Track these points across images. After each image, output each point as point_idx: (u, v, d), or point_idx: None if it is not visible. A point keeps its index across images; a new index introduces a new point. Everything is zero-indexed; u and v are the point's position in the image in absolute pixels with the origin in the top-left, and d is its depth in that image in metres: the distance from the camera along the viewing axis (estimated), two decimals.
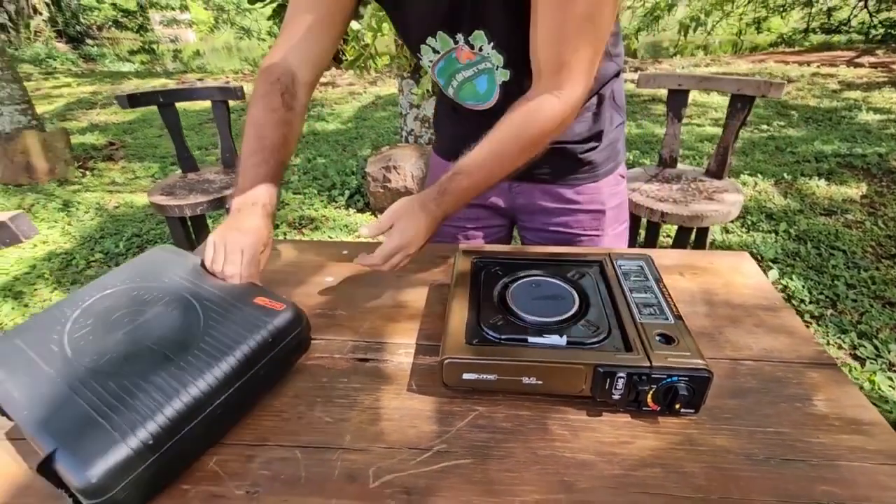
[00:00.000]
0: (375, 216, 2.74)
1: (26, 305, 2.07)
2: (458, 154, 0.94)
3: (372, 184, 2.70)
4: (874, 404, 1.33)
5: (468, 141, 0.91)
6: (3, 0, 9.85)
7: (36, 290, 2.18)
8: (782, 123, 3.87)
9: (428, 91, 2.72)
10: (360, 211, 2.82)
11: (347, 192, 2.97)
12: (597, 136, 0.86)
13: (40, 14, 10.81)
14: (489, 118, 0.81)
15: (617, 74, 0.85)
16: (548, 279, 0.67)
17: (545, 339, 0.57)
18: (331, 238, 2.54)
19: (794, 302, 1.82)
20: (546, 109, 0.68)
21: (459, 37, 0.74)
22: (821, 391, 0.58)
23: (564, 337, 0.57)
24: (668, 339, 0.56)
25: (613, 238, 0.94)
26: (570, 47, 0.65)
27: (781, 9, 9.35)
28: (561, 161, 0.87)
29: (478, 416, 0.56)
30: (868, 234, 2.24)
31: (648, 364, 0.53)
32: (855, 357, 1.56)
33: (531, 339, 0.58)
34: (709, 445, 0.51)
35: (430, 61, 0.79)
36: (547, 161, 0.86)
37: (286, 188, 3.12)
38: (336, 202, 2.90)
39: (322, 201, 2.92)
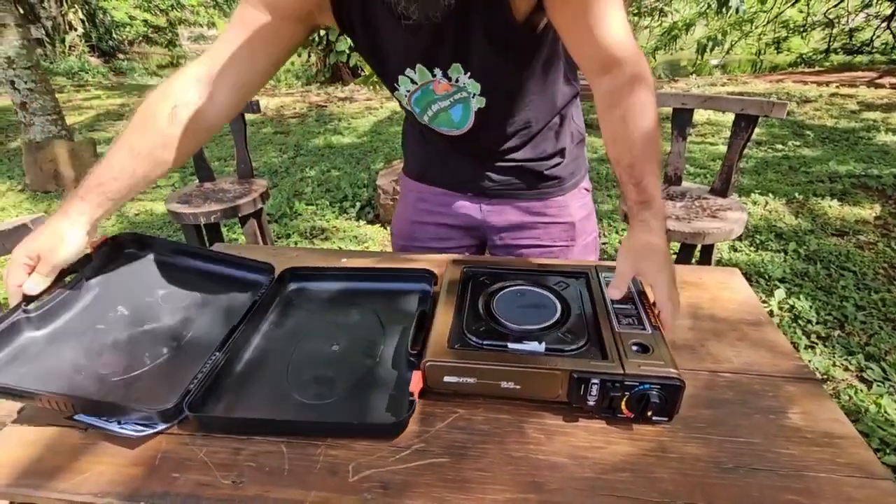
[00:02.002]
0: (385, 228, 2.79)
1: None
2: (431, 177, 0.97)
3: (382, 196, 2.75)
4: (880, 428, 1.32)
5: (437, 162, 0.94)
6: (41, 16, 10.33)
7: None
8: (797, 143, 3.84)
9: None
10: (370, 223, 2.87)
11: (359, 205, 3.03)
12: (560, 153, 0.90)
13: (75, 30, 11.29)
14: (464, 143, 0.85)
15: (575, 96, 0.89)
16: (532, 289, 0.70)
17: (525, 345, 0.59)
18: (340, 249, 2.59)
19: (800, 322, 1.79)
20: (640, 90, 0.68)
21: (437, 71, 0.75)
22: (797, 404, 0.58)
23: (543, 344, 0.59)
24: (643, 349, 0.58)
25: (583, 248, 0.97)
26: (608, 32, 0.66)
27: (802, 29, 9.31)
28: (528, 178, 0.91)
29: (458, 418, 0.58)
30: (881, 256, 2.20)
31: (622, 371, 0.54)
32: (862, 379, 1.53)
33: (511, 346, 0.60)
34: (679, 453, 0.53)
35: (408, 91, 0.79)
36: (515, 179, 0.91)
37: (299, 199, 3.19)
38: (347, 214, 2.96)
39: (334, 212, 2.99)
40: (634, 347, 0.58)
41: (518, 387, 0.57)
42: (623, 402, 0.55)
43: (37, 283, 0.64)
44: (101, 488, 0.50)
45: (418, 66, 0.76)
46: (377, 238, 2.69)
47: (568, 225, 0.94)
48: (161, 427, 0.56)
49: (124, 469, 0.52)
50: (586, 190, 0.98)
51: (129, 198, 0.69)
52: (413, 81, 0.78)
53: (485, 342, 0.61)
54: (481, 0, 0.66)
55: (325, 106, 6.22)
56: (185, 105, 0.69)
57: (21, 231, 0.87)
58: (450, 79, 0.76)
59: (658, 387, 0.54)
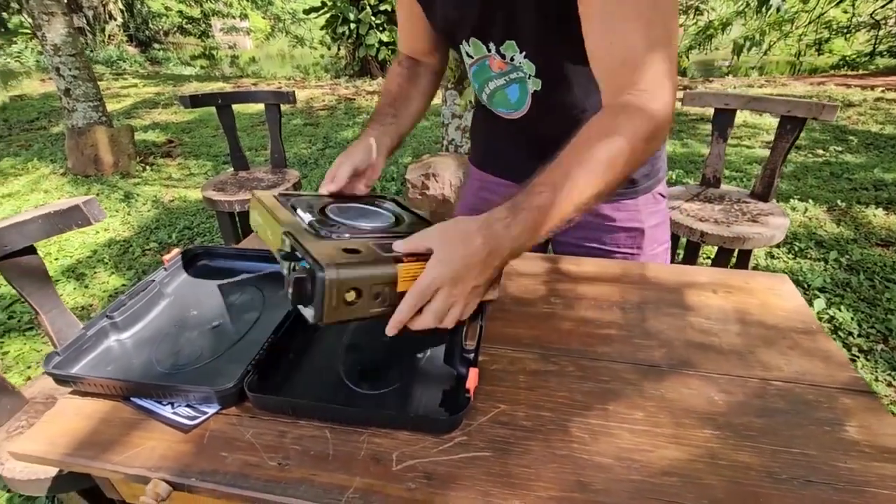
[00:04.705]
0: None
1: (86, 287, 2.22)
2: (491, 163, 0.97)
3: (411, 190, 2.75)
4: None
5: (497, 150, 0.93)
6: (83, 6, 10.67)
7: (96, 273, 2.34)
8: (839, 149, 3.69)
9: (470, 102, 2.77)
10: None
11: None
12: None
13: (115, 20, 11.63)
14: (522, 128, 0.83)
15: None
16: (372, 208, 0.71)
17: (300, 213, 0.62)
18: None
19: (840, 334, 1.73)
20: (634, 114, 0.57)
21: (491, 46, 0.75)
22: (853, 417, 0.56)
23: (310, 216, 0.61)
24: (352, 251, 0.52)
25: (651, 258, 0.92)
26: (638, 44, 0.56)
27: (846, 30, 8.94)
28: None
29: (500, 413, 0.58)
30: None
31: (293, 237, 0.53)
32: None
33: (297, 213, 0.62)
34: (730, 460, 0.51)
35: (469, 63, 0.82)
36: None
37: None
38: None
39: None
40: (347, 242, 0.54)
41: (259, 220, 0.65)
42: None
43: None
44: (154, 463, 0.52)
45: (472, 39, 0.75)
46: None
47: (636, 231, 0.89)
48: (211, 412, 0.57)
49: (175, 445, 0.54)
50: (661, 196, 0.92)
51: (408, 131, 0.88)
52: (469, 55, 0.79)
53: (283, 196, 0.68)
54: None
55: (354, 99, 6.26)
56: (410, 66, 0.90)
57: (75, 211, 0.89)
58: (503, 56, 0.75)
59: (302, 272, 0.49)
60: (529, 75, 0.76)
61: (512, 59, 0.75)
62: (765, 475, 0.50)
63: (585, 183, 0.54)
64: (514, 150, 0.90)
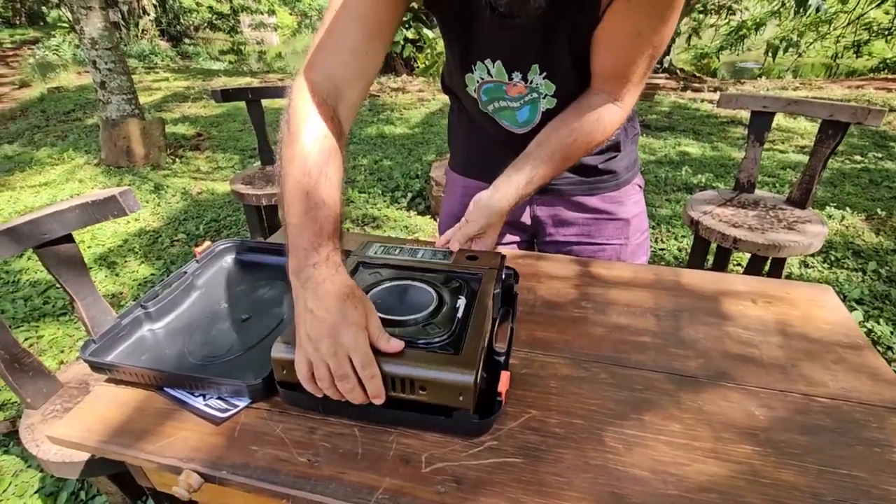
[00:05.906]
0: (435, 220, 2.79)
1: (117, 275, 2.28)
2: (478, 171, 0.95)
3: (435, 188, 2.75)
4: None
5: (485, 155, 0.91)
6: (119, 1, 10.96)
7: (126, 261, 2.40)
8: (879, 155, 3.55)
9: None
10: (421, 214, 2.88)
11: (410, 195, 3.04)
12: (615, 147, 0.88)
13: (148, 15, 11.92)
14: (516, 139, 0.83)
15: None
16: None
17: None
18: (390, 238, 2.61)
19: (879, 348, 1.66)
20: (609, 118, 0.74)
21: (516, 74, 0.75)
22: None
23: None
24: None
25: (636, 247, 0.95)
26: (635, 66, 0.70)
27: (887, 32, 8.59)
28: (582, 172, 0.89)
29: (530, 419, 0.56)
30: None
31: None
32: None
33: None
34: (772, 479, 0.49)
35: (481, 78, 0.78)
36: (568, 173, 0.88)
37: (352, 187, 3.24)
38: (398, 203, 2.99)
39: (385, 202, 3.02)
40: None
41: None
42: None
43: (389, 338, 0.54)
44: (186, 454, 0.52)
45: (498, 62, 0.75)
46: (427, 229, 2.70)
47: (622, 222, 0.92)
48: (242, 405, 0.57)
49: (206, 437, 0.54)
50: (639, 187, 0.96)
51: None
52: (489, 73, 0.77)
53: None
54: (573, 3, 0.65)
55: (378, 96, 6.29)
56: (336, 118, 0.67)
57: (111, 202, 0.91)
58: (527, 81, 0.76)
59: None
60: (546, 95, 0.77)
61: (531, 82, 0.76)
62: (810, 496, 0.47)
63: (559, 168, 0.77)
64: (506, 155, 0.85)
